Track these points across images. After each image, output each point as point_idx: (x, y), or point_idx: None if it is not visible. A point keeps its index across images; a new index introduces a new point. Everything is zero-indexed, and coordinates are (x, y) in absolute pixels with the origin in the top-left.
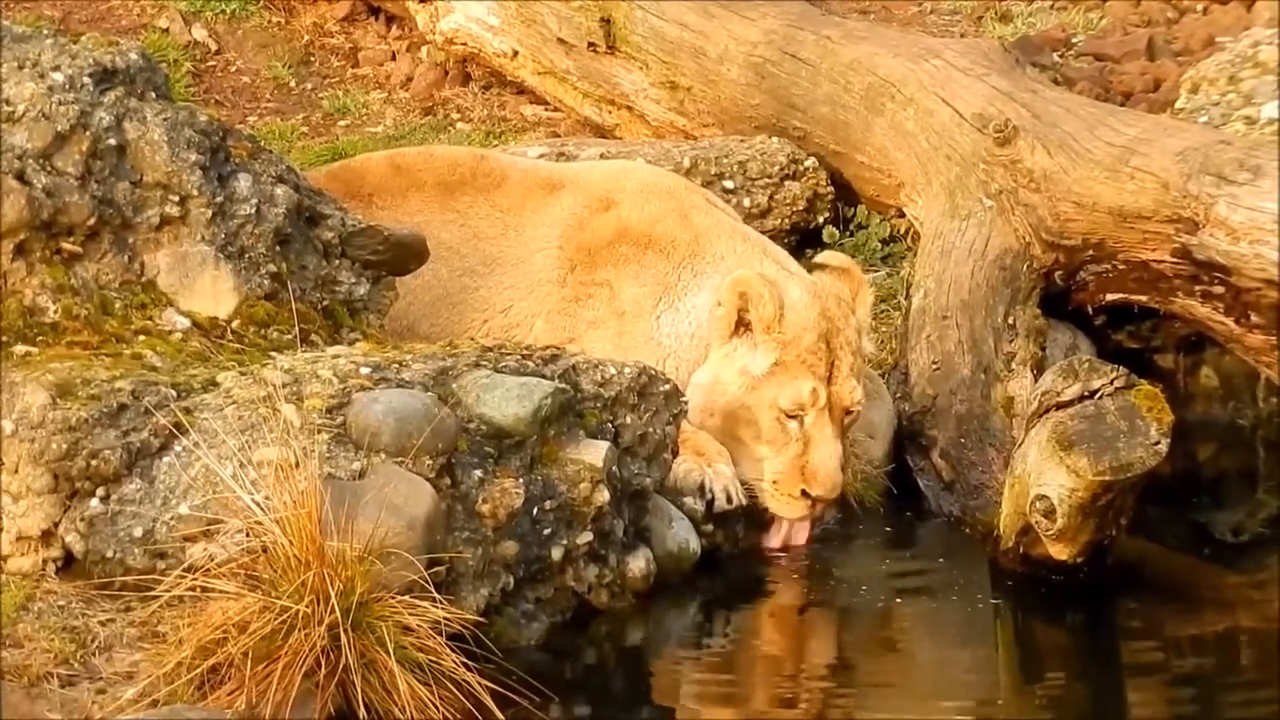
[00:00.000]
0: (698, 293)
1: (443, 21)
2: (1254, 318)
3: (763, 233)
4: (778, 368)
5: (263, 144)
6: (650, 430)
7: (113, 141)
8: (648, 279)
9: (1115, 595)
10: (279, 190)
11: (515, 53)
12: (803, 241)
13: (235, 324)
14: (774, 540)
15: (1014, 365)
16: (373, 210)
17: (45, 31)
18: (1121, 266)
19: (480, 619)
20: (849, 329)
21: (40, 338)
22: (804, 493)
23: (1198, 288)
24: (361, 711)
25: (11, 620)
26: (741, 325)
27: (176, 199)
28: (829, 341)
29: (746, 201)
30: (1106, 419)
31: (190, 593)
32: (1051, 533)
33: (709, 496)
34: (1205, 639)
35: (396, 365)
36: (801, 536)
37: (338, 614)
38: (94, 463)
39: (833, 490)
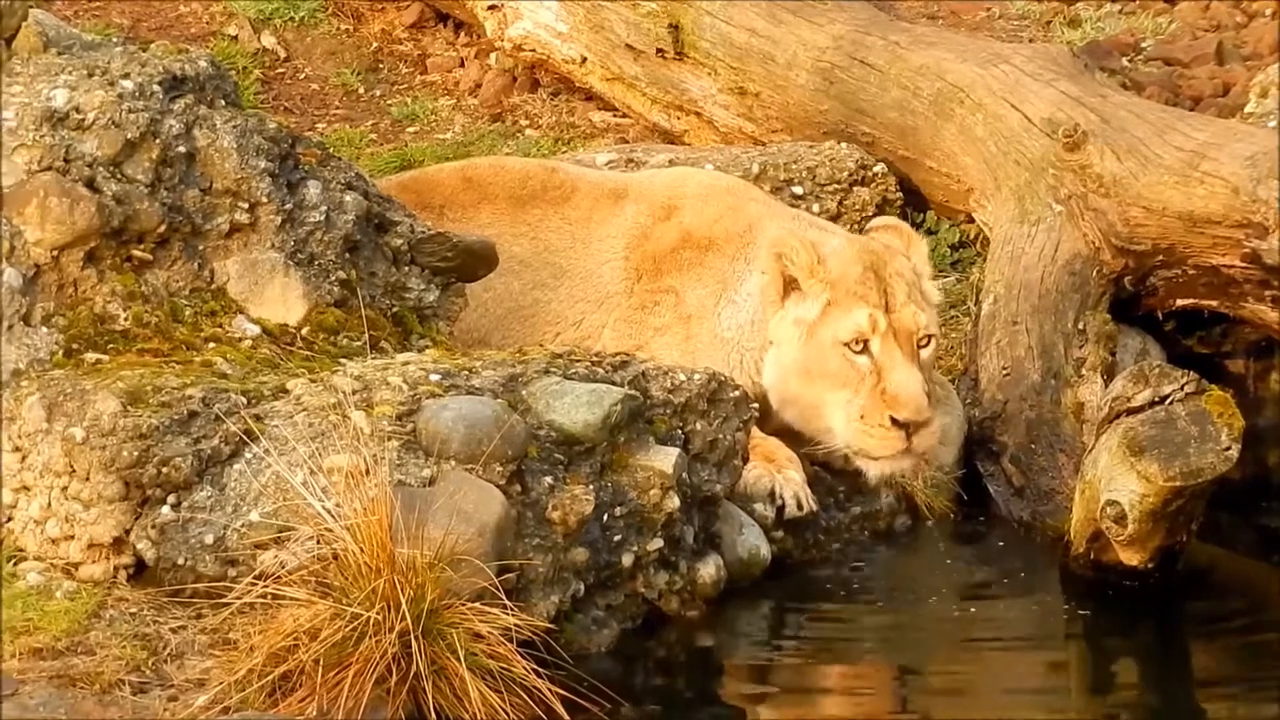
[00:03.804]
0: (750, 278)
1: (511, 28)
2: None
3: None
4: (830, 306)
5: (331, 151)
6: (720, 436)
7: (182, 149)
8: (709, 279)
9: (1186, 601)
10: (348, 197)
11: (583, 59)
12: None
13: (305, 331)
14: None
15: (1084, 371)
16: (444, 223)
17: (114, 39)
18: (1191, 271)
19: (550, 625)
20: (897, 262)
21: (111, 345)
22: (894, 422)
23: (1268, 292)
24: (432, 718)
25: (83, 627)
26: (790, 287)
27: (246, 206)
28: (877, 272)
29: (815, 207)
30: (1177, 424)
31: (261, 600)
32: (1122, 538)
33: (779, 502)
34: (1276, 645)
35: (466, 372)
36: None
37: (408, 621)
38: (165, 470)
39: (919, 412)
